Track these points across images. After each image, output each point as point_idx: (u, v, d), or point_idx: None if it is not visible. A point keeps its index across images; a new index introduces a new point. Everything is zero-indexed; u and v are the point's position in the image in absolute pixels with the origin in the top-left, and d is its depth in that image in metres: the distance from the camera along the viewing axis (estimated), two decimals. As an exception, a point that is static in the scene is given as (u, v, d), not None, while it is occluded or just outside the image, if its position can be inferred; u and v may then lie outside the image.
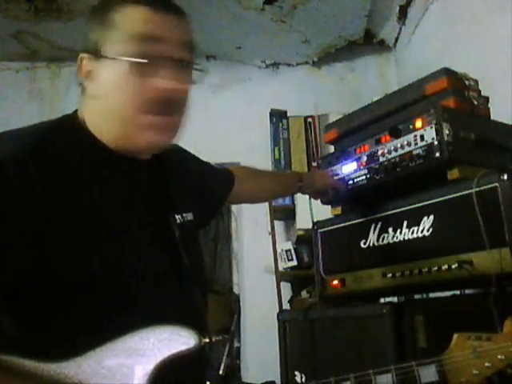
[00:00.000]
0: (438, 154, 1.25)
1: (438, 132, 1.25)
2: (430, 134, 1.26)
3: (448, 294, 1.39)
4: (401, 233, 1.34)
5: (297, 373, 1.50)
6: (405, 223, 1.34)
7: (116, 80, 0.84)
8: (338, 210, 1.60)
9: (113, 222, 0.84)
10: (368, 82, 3.33)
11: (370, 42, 3.33)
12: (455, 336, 0.92)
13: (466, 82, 1.39)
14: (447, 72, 1.37)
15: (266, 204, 2.81)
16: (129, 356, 0.74)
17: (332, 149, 1.73)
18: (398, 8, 2.94)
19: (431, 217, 1.27)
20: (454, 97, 1.34)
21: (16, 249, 0.73)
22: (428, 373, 0.90)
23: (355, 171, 1.48)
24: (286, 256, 2.80)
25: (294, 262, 2.78)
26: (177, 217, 0.95)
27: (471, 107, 1.37)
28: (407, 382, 0.89)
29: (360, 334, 1.32)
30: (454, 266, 1.19)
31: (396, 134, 1.36)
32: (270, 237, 2.82)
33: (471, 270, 1.16)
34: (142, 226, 0.89)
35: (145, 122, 0.85)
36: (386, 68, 3.39)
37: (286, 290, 2.94)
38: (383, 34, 3.27)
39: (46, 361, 0.72)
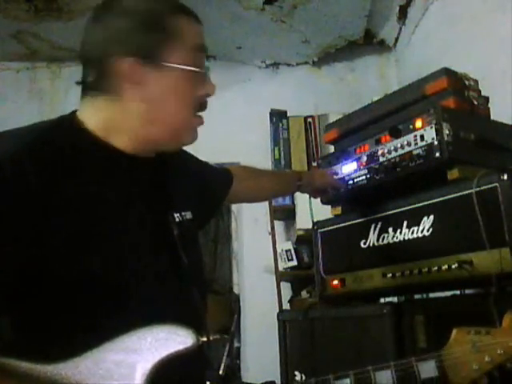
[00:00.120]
0: (438, 154, 1.25)
1: (438, 132, 1.25)
2: (430, 134, 1.26)
3: (448, 293, 1.38)
4: (401, 233, 1.34)
5: (297, 373, 1.50)
6: (405, 223, 1.34)
7: (174, 87, 0.89)
8: (338, 210, 1.60)
9: (112, 221, 0.84)
10: (368, 82, 3.33)
11: (370, 42, 3.33)
12: (454, 331, 0.92)
13: (466, 82, 1.39)
14: (447, 72, 1.37)
15: (266, 204, 2.81)
16: (126, 356, 0.74)
17: (332, 149, 1.73)
18: (398, 8, 2.94)
19: (431, 217, 1.27)
20: (454, 97, 1.34)
21: (14, 249, 0.73)
22: (427, 368, 0.89)
23: (355, 171, 1.48)
24: (285, 256, 2.80)
25: (294, 262, 2.78)
26: (176, 215, 0.95)
27: (471, 107, 1.37)
28: (407, 378, 0.89)
29: (360, 334, 1.32)
30: (454, 266, 1.19)
31: (396, 133, 1.36)
32: (270, 237, 2.82)
33: (471, 270, 1.16)
34: (142, 224, 0.89)
35: (195, 123, 0.95)
36: (386, 68, 3.39)
37: (286, 290, 2.94)
38: (383, 34, 3.27)
39: (42, 362, 0.72)
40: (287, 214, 3.00)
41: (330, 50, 3.31)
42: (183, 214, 0.98)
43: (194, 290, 0.93)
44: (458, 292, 1.40)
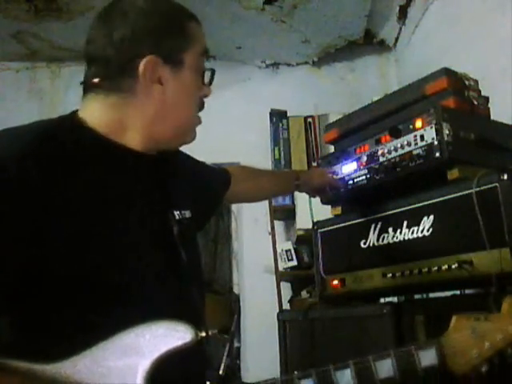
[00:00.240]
0: (438, 154, 1.25)
1: (438, 132, 1.25)
2: (430, 134, 1.26)
3: (448, 293, 1.38)
4: (401, 233, 1.34)
5: (297, 373, 1.50)
6: (405, 223, 1.33)
7: (185, 87, 0.93)
8: (338, 210, 1.60)
9: (113, 219, 0.84)
10: (368, 82, 3.33)
11: (370, 42, 3.33)
12: (454, 318, 0.92)
13: (466, 82, 1.39)
14: (447, 72, 1.37)
15: (266, 204, 2.81)
16: (125, 354, 0.74)
17: (332, 149, 1.73)
18: (398, 8, 2.94)
19: (431, 217, 1.27)
20: (454, 97, 1.34)
21: (16, 248, 0.73)
22: (428, 356, 0.89)
23: (355, 171, 1.48)
24: (285, 256, 2.80)
25: (294, 262, 2.78)
26: (176, 213, 0.95)
27: (471, 107, 1.37)
28: (408, 366, 0.89)
29: (360, 333, 1.32)
30: (453, 266, 1.19)
31: (396, 134, 1.35)
32: (270, 237, 2.82)
33: (471, 270, 1.16)
34: (143, 223, 0.89)
35: (197, 121, 0.99)
36: (386, 68, 3.39)
37: (286, 290, 2.94)
38: (383, 34, 3.27)
39: (42, 362, 0.71)
40: (287, 214, 3.00)
41: (330, 49, 3.31)
42: (183, 212, 0.98)
43: (193, 288, 0.93)
44: (458, 292, 1.40)
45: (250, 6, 2.81)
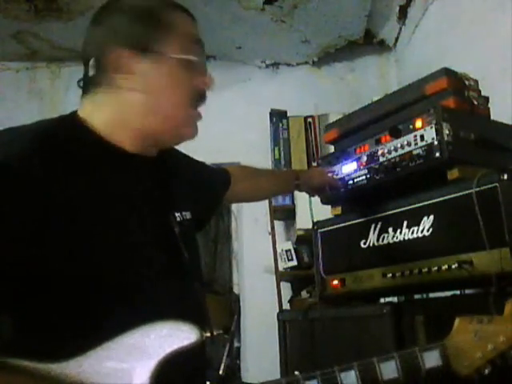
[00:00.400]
0: (438, 154, 1.25)
1: (438, 132, 1.25)
2: (430, 134, 1.26)
3: (448, 294, 1.38)
4: (401, 233, 1.34)
5: (297, 373, 1.50)
6: (405, 223, 1.34)
7: (167, 76, 0.90)
8: (338, 210, 1.60)
9: (114, 220, 0.84)
10: (368, 82, 3.33)
11: (370, 42, 3.33)
12: (457, 320, 0.92)
13: (466, 82, 1.39)
14: (447, 72, 1.37)
15: (266, 204, 2.81)
16: (130, 354, 0.74)
17: (332, 149, 1.73)
18: (398, 8, 2.94)
19: (431, 217, 1.27)
20: (454, 97, 1.34)
21: (19, 247, 0.73)
22: (432, 358, 0.89)
23: (355, 171, 1.48)
24: (286, 256, 2.80)
25: (294, 262, 2.78)
26: (177, 214, 0.96)
27: (471, 107, 1.37)
28: (411, 367, 0.89)
29: (360, 334, 1.32)
30: (454, 266, 1.19)
31: (396, 134, 1.36)
32: (270, 237, 2.82)
33: (471, 270, 1.16)
34: (143, 223, 0.89)
35: (188, 115, 0.94)
36: (386, 68, 3.39)
37: (286, 290, 2.94)
38: (383, 34, 3.27)
39: (46, 361, 0.72)
40: (287, 214, 3.00)
41: (330, 49, 3.31)
42: (184, 213, 0.98)
43: (196, 286, 0.93)
44: (458, 292, 1.40)
45: (249, 6, 2.81)
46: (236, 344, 3.11)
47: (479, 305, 1.11)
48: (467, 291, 1.41)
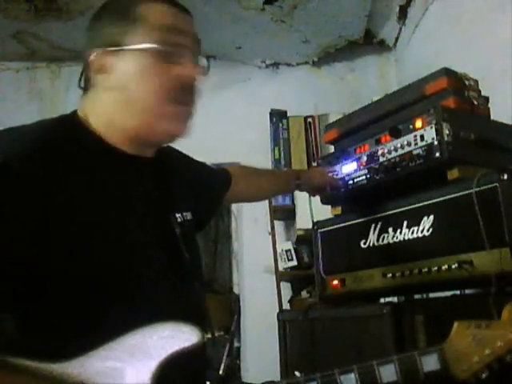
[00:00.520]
0: (437, 154, 1.25)
1: (438, 132, 1.25)
2: (430, 134, 1.26)
3: (448, 294, 1.38)
4: (401, 233, 1.34)
5: (297, 373, 1.50)
6: (405, 223, 1.34)
7: (140, 70, 0.87)
8: (338, 210, 1.60)
9: (115, 220, 0.84)
10: (368, 82, 3.33)
11: (370, 42, 3.32)
12: (455, 324, 0.93)
13: (466, 82, 1.39)
14: (447, 72, 1.37)
15: (266, 204, 2.81)
16: (132, 354, 0.74)
17: (332, 149, 1.73)
18: (398, 8, 2.93)
19: (431, 217, 1.27)
20: (454, 97, 1.34)
21: (20, 247, 0.73)
22: (430, 361, 0.90)
23: (355, 171, 1.48)
24: (286, 256, 2.80)
25: (294, 262, 2.78)
26: (177, 215, 0.96)
27: (471, 107, 1.37)
28: (410, 371, 0.90)
29: (360, 334, 1.32)
30: (454, 266, 1.19)
31: (396, 134, 1.36)
32: (270, 237, 2.81)
33: (471, 270, 1.16)
34: (144, 223, 0.89)
35: (168, 110, 0.88)
36: (386, 68, 3.39)
37: (286, 290, 2.94)
38: (383, 34, 3.27)
39: (48, 361, 0.72)
40: (287, 214, 3.00)
41: (330, 49, 3.30)
42: (184, 214, 0.98)
43: (196, 286, 0.93)
44: (458, 292, 1.40)
45: (249, 6, 2.81)
46: (236, 344, 3.12)
47: (479, 305, 1.11)
48: (467, 291, 1.41)
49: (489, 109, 1.43)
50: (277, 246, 2.81)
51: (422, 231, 1.29)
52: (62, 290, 0.77)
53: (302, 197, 1.64)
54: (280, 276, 2.76)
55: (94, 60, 0.88)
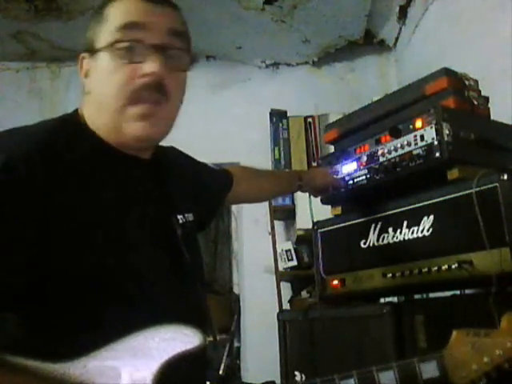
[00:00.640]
0: (438, 154, 1.25)
1: (438, 132, 1.25)
2: (430, 134, 1.26)
3: (448, 294, 1.38)
4: (401, 233, 1.34)
5: (297, 373, 1.50)
6: (405, 223, 1.33)
7: (103, 72, 0.86)
8: (338, 210, 1.60)
9: (116, 220, 0.84)
10: (368, 82, 3.33)
11: (370, 42, 3.32)
12: (454, 332, 0.93)
13: (466, 82, 1.39)
14: (447, 72, 1.37)
15: (266, 204, 2.81)
16: (134, 356, 0.75)
17: (332, 149, 1.73)
18: (398, 8, 2.93)
19: (431, 217, 1.27)
20: (454, 97, 1.34)
21: (22, 248, 0.73)
22: (429, 369, 0.90)
23: (355, 171, 1.48)
24: (286, 256, 2.80)
25: (294, 262, 2.78)
26: (179, 217, 0.96)
27: (471, 107, 1.37)
28: (409, 378, 0.90)
29: (360, 333, 1.32)
30: (454, 266, 1.19)
31: (396, 134, 1.36)
32: (270, 237, 2.81)
33: (471, 270, 1.16)
34: (145, 224, 0.89)
35: (133, 112, 0.85)
36: (386, 68, 3.39)
37: (286, 290, 2.94)
38: (383, 34, 3.27)
39: (49, 361, 0.72)
40: (287, 214, 3.00)
41: (330, 49, 3.30)
42: (186, 215, 0.98)
43: (198, 288, 0.93)
44: (458, 292, 1.40)
45: (249, 6, 2.81)
46: (236, 344, 3.12)
47: (479, 305, 1.11)
48: (467, 291, 1.41)
49: (489, 109, 1.43)
50: (277, 246, 2.81)
51: (422, 231, 1.29)
52: (62, 290, 0.77)
53: (302, 197, 1.64)
54: (280, 276, 2.76)
55: (81, 64, 0.91)
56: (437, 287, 1.34)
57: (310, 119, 3.05)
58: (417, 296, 1.58)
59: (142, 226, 0.88)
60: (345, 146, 1.55)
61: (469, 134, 1.28)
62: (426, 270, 1.25)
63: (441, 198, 1.26)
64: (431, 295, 1.52)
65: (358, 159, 1.47)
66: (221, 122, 3.17)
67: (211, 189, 1.22)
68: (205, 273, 1.08)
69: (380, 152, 1.40)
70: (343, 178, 1.52)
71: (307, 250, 2.75)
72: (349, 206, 1.58)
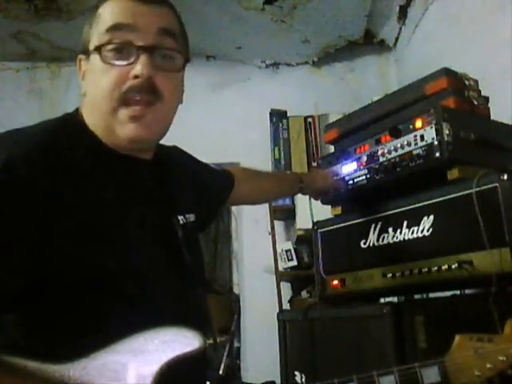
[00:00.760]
0: (438, 154, 1.25)
1: (438, 132, 1.25)
2: (430, 134, 1.26)
3: (448, 294, 1.38)
4: (401, 233, 1.34)
5: (297, 373, 1.50)
6: (405, 223, 1.33)
7: (95, 74, 0.87)
8: (338, 210, 1.60)
9: (116, 221, 0.84)
10: (368, 82, 3.33)
11: (370, 42, 3.33)
12: (457, 337, 0.92)
13: (466, 82, 1.39)
14: (447, 72, 1.37)
15: (266, 204, 2.81)
16: (134, 357, 0.75)
17: (332, 149, 1.73)
18: (398, 8, 2.94)
19: (431, 217, 1.27)
20: (454, 97, 1.34)
21: (23, 249, 0.73)
22: (431, 374, 0.90)
23: (355, 171, 1.48)
24: (285, 256, 2.80)
25: (294, 262, 2.78)
26: (180, 218, 0.96)
27: (471, 107, 1.37)
28: (410, 383, 0.89)
29: (360, 334, 1.32)
30: (454, 266, 1.19)
31: (396, 134, 1.35)
32: (270, 237, 2.82)
33: (471, 270, 1.16)
34: (145, 225, 0.89)
35: (124, 114, 0.84)
36: (386, 68, 3.39)
37: (286, 290, 2.94)
38: (383, 34, 3.27)
39: (49, 362, 0.72)
40: (287, 214, 3.00)
41: (330, 49, 3.31)
42: (187, 216, 0.98)
43: (198, 289, 0.93)
44: (458, 292, 1.40)
45: (249, 6, 2.81)
46: (236, 344, 3.12)
47: (479, 305, 1.11)
48: (467, 291, 1.42)
49: (489, 109, 1.43)
50: (277, 246, 2.81)
51: (422, 231, 1.29)
52: (62, 290, 0.77)
53: (302, 197, 1.63)
54: (280, 276, 2.76)
55: (78, 66, 0.91)
56: (437, 287, 1.34)
57: (310, 119, 3.05)
58: (417, 296, 1.58)
59: (142, 227, 0.88)
60: (345, 146, 1.55)
61: (469, 134, 1.28)
62: (426, 270, 1.25)
63: (441, 198, 1.26)
64: (431, 295, 1.52)
65: (358, 159, 1.47)
66: (221, 121, 3.17)
67: (213, 189, 1.21)
68: (206, 273, 1.08)
69: (380, 152, 1.40)
70: (343, 178, 1.52)
71: (307, 250, 2.75)
72: (349, 206, 1.58)
